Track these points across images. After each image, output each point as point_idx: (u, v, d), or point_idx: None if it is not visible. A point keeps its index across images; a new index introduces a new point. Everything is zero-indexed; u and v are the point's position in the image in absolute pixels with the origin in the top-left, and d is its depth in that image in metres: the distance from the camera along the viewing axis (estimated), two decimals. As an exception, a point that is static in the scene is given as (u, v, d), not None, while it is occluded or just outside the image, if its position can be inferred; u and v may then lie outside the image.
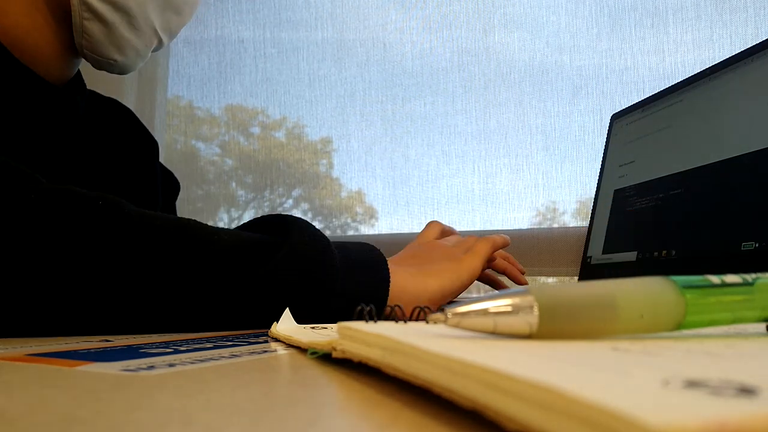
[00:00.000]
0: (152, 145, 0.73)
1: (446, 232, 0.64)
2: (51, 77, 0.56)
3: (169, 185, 0.77)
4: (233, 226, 1.41)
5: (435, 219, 0.65)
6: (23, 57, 0.53)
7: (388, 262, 0.45)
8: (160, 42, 0.60)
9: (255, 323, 0.37)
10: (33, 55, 0.54)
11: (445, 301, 0.50)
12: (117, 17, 0.54)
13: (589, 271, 0.76)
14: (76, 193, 0.34)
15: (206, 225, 0.38)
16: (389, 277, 0.44)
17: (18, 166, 0.35)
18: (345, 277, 0.41)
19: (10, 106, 0.51)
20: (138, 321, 0.35)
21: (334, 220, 1.26)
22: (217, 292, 0.36)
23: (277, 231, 0.41)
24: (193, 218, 0.39)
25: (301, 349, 0.26)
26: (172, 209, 0.79)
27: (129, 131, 0.70)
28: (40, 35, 0.54)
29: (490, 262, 0.62)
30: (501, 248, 0.61)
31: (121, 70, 0.60)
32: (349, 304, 0.40)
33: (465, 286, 0.52)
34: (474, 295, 0.78)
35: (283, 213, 0.44)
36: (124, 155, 0.67)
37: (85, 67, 0.63)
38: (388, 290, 0.43)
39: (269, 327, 0.33)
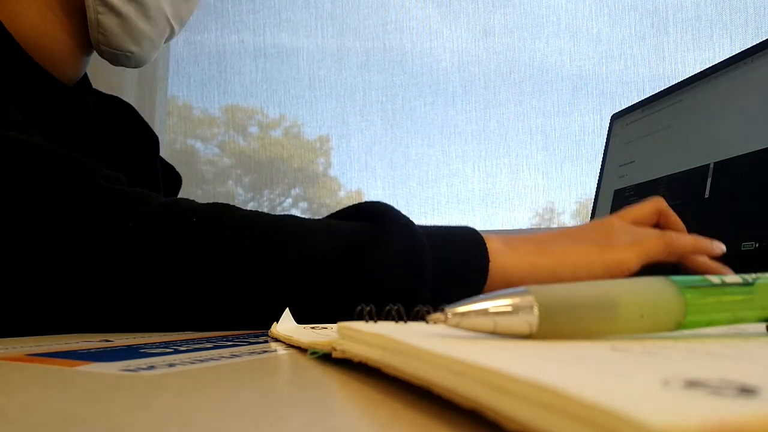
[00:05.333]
0: (153, 140, 0.73)
1: (665, 216, 0.52)
2: (64, 78, 0.57)
3: (171, 179, 0.77)
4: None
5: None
6: (38, 58, 0.53)
7: (496, 242, 0.43)
8: (172, 31, 0.61)
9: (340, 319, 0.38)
10: (48, 55, 0.54)
11: None
12: (131, 8, 0.55)
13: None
14: (181, 209, 0.38)
15: (303, 224, 0.40)
16: (486, 273, 0.42)
17: (126, 187, 0.39)
18: (434, 282, 0.40)
19: (25, 108, 0.52)
20: (230, 322, 0.38)
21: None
22: (305, 291, 0.38)
23: (371, 224, 0.41)
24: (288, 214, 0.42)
25: (301, 349, 0.26)
26: None
27: (130, 127, 0.70)
28: (55, 35, 0.54)
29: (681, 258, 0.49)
30: (687, 253, 0.48)
31: (137, 62, 0.60)
32: (440, 293, 0.40)
33: (600, 277, 0.45)
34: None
35: (376, 202, 0.43)
36: (126, 151, 0.68)
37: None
38: (484, 280, 0.42)
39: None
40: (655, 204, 0.52)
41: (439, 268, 0.41)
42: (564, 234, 0.48)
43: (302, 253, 0.38)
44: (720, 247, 0.49)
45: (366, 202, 0.44)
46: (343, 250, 0.39)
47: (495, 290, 0.44)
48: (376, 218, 0.41)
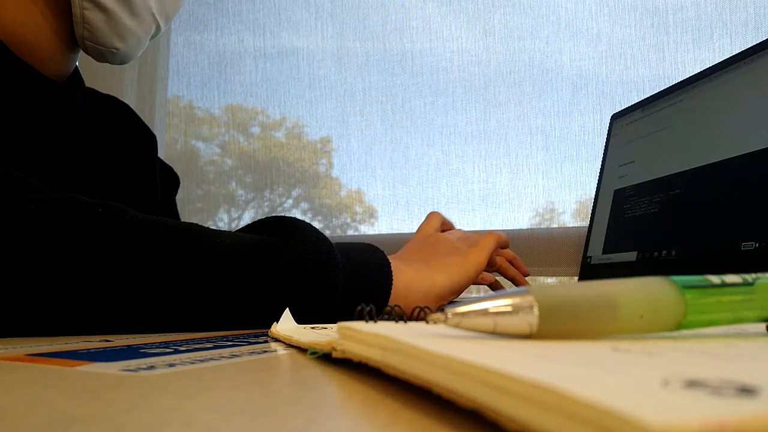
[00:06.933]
0: (150, 140, 0.72)
1: (446, 224, 0.63)
2: (50, 73, 0.56)
3: (169, 180, 0.77)
4: (233, 225, 1.41)
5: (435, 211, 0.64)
6: (21, 53, 0.53)
7: (393, 261, 0.45)
8: (158, 27, 0.61)
9: (256, 325, 0.37)
10: (31, 50, 0.53)
11: (453, 297, 0.50)
12: (117, 4, 0.54)
13: (589, 271, 0.76)
14: (76, 201, 0.35)
15: (208, 228, 0.38)
16: (392, 277, 0.44)
17: (18, 175, 0.36)
18: (346, 279, 0.41)
19: (8, 104, 0.51)
20: (141, 325, 0.35)
21: (333, 219, 1.26)
22: (218, 296, 0.36)
23: (279, 234, 0.41)
24: (194, 221, 0.39)
25: (301, 349, 0.26)
26: (172, 204, 0.78)
27: (127, 127, 0.70)
28: (38, 30, 0.54)
29: (492, 265, 0.61)
30: (504, 246, 0.60)
31: (122, 59, 0.60)
32: (350, 305, 0.39)
33: (471, 281, 0.52)
34: (474, 296, 0.78)
35: (283, 214, 0.44)
36: (123, 151, 0.67)
37: (85, 68, 0.62)
38: (390, 291, 0.43)
39: (269, 328, 0.33)
40: (438, 217, 0.62)
41: (348, 270, 0.41)
42: (427, 251, 0.54)
43: (210, 253, 0.36)
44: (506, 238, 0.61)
45: (271, 217, 0.44)
46: (251, 251, 0.37)
47: (400, 303, 0.43)
48: (283, 227, 0.41)
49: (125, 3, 0.55)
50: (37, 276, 0.33)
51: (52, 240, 0.33)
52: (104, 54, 0.58)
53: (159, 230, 0.36)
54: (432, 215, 0.62)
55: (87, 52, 0.58)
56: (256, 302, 0.37)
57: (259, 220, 0.45)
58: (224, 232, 0.39)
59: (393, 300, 0.44)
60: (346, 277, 0.41)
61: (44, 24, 0.54)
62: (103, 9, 0.54)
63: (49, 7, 0.54)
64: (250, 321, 0.37)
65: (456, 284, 0.49)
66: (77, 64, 0.62)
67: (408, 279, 0.45)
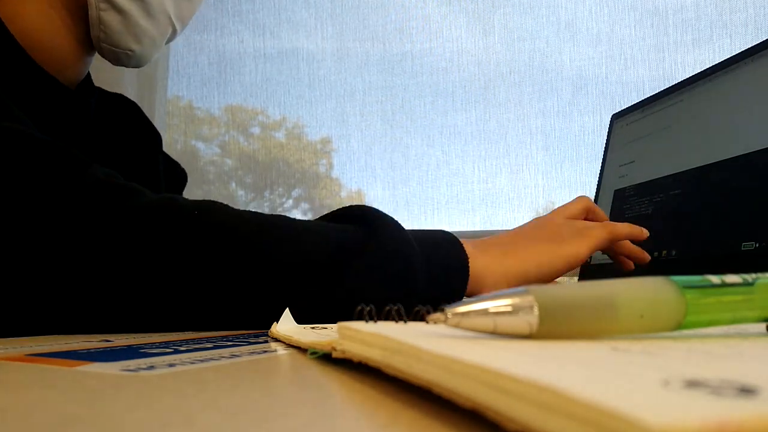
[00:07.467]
0: (155, 138, 0.72)
1: (592, 212, 0.58)
2: (65, 78, 0.56)
3: (175, 175, 0.76)
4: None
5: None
6: (39, 58, 0.53)
7: (469, 247, 0.45)
8: (174, 31, 0.61)
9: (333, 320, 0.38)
10: (49, 56, 0.54)
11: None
12: (133, 6, 0.55)
13: (589, 271, 0.76)
14: (176, 204, 0.38)
15: (294, 221, 0.40)
16: (468, 274, 0.44)
17: (121, 181, 0.39)
18: (425, 283, 0.42)
19: (24, 109, 0.51)
20: (226, 319, 0.38)
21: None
22: (301, 292, 0.38)
23: (361, 226, 0.42)
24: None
25: (301, 349, 0.26)
26: None
27: (133, 125, 0.70)
28: (57, 35, 0.54)
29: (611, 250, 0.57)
30: (626, 239, 0.55)
31: (137, 61, 0.60)
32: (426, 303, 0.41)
33: (560, 273, 0.51)
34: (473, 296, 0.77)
35: (365, 205, 0.45)
36: (129, 149, 0.67)
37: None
38: (465, 288, 0.44)
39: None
40: (583, 202, 0.57)
41: (427, 268, 0.42)
42: (520, 235, 0.52)
43: (297, 253, 0.38)
44: (646, 233, 0.56)
45: (353, 206, 0.45)
46: (337, 251, 0.39)
47: (471, 293, 0.44)
48: (365, 220, 0.42)
49: (142, 4, 0.55)
50: (135, 274, 0.35)
51: (157, 244, 0.36)
52: (119, 56, 0.58)
53: (253, 227, 0.38)
54: (578, 199, 0.58)
55: (103, 55, 0.58)
56: (332, 302, 0.38)
57: (340, 209, 0.46)
58: (310, 226, 0.40)
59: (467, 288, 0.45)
60: (424, 280, 0.41)
61: (62, 29, 0.54)
62: (119, 10, 0.54)
63: (67, 11, 0.54)
64: (326, 318, 0.38)
65: (532, 274, 0.48)
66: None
67: (480, 267, 0.46)
